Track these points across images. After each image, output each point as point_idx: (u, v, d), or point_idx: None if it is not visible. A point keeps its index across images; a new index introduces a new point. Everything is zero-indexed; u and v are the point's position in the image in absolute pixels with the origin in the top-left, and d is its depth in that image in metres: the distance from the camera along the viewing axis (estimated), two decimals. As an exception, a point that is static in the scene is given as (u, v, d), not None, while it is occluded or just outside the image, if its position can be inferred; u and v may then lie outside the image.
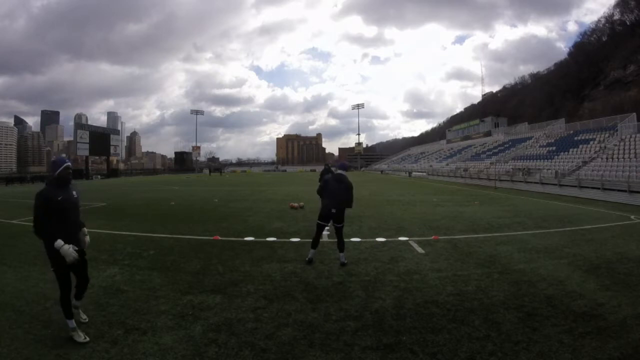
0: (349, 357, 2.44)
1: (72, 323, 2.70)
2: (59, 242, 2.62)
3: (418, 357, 2.43)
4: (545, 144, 28.76)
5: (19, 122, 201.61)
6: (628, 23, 62.05)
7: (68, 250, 2.64)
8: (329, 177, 4.84)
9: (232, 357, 2.45)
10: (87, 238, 2.97)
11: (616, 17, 65.59)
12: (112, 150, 57.67)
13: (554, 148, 26.13)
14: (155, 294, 3.60)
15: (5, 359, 2.42)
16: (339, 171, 4.85)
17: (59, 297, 2.69)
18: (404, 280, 4.05)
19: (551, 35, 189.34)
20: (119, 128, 78.63)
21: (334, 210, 4.61)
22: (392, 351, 2.51)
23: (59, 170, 2.73)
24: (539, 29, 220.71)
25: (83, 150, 51.32)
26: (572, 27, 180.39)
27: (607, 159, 19.13)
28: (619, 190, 14.56)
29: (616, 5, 65.50)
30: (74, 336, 2.67)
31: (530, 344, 2.57)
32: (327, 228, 4.97)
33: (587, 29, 79.02)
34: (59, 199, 2.67)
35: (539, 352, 2.46)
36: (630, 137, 19.90)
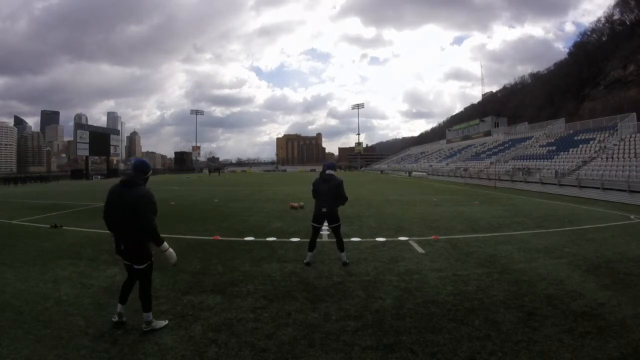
0: (349, 357, 2.44)
1: (150, 316, 2.80)
2: (166, 245, 2.78)
3: (418, 357, 2.43)
4: (545, 143, 28.76)
5: (19, 122, 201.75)
6: (628, 23, 62.03)
7: (174, 254, 2.81)
8: (317, 180, 4.80)
9: (232, 357, 2.44)
10: None
11: (616, 17, 65.64)
12: (112, 150, 57.75)
13: (554, 148, 26.12)
14: (155, 294, 3.57)
15: (5, 359, 2.41)
16: (328, 171, 4.84)
17: (146, 291, 2.81)
18: (404, 280, 4.05)
19: (548, 36, 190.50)
20: (119, 128, 78.54)
21: (324, 209, 4.61)
22: (392, 351, 2.51)
23: (150, 173, 2.92)
24: (536, 29, 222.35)
25: (83, 150, 51.39)
26: (570, 28, 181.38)
27: (607, 158, 19.13)
28: (619, 190, 14.56)
29: (616, 5, 65.54)
30: (155, 325, 2.80)
31: (530, 344, 2.56)
32: (325, 228, 4.96)
33: (586, 29, 79.14)
34: None
35: (539, 352, 2.46)
36: (630, 137, 19.90)
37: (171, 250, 2.81)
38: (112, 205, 2.80)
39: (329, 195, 4.65)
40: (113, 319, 2.93)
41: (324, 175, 4.79)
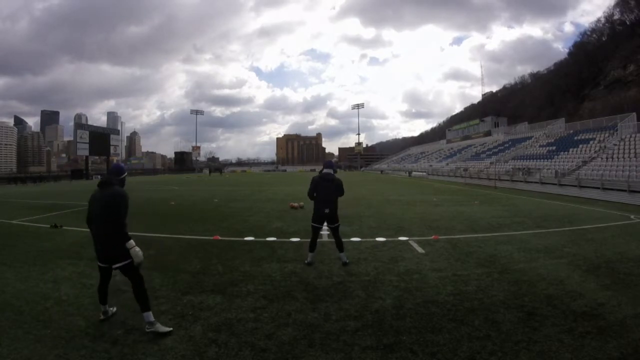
0: (349, 357, 2.44)
1: (151, 316, 2.78)
2: (132, 242, 2.81)
3: (418, 357, 2.43)
4: (545, 143, 28.76)
5: (18, 122, 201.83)
6: (628, 23, 62.01)
7: (139, 252, 2.82)
8: (317, 178, 4.73)
9: (232, 357, 2.44)
10: None
11: (616, 16, 65.61)
12: (112, 150, 57.71)
13: (554, 148, 26.13)
14: (155, 294, 3.59)
15: (5, 359, 2.41)
16: (326, 170, 4.77)
17: (139, 289, 2.83)
18: (404, 280, 4.05)
19: (547, 37, 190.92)
20: (119, 128, 78.36)
21: (327, 211, 4.57)
22: (392, 351, 2.51)
23: (125, 175, 3.14)
24: (534, 30, 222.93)
25: (83, 150, 51.37)
26: (569, 28, 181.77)
27: (607, 158, 19.13)
28: (619, 190, 14.56)
29: (616, 5, 65.52)
30: (158, 328, 2.76)
31: (530, 344, 2.56)
32: (325, 228, 4.95)
33: (586, 29, 79.20)
34: None
35: (539, 352, 2.46)
36: (630, 136, 19.90)
37: (137, 249, 2.81)
38: (94, 208, 2.87)
39: (331, 196, 4.63)
40: (100, 317, 3.01)
41: (324, 175, 4.72)
